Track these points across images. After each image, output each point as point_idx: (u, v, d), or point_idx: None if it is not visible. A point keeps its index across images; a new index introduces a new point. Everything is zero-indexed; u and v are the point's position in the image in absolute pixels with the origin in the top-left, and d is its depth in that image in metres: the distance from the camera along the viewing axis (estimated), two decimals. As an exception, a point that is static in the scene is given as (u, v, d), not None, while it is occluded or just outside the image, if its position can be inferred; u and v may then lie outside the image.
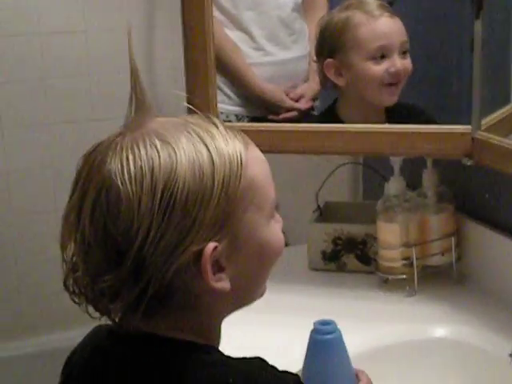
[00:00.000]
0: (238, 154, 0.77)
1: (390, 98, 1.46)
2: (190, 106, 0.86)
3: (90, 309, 0.79)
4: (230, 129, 0.80)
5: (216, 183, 0.75)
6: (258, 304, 1.33)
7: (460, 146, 1.35)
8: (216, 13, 1.52)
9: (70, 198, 0.78)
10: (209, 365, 0.78)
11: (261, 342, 1.25)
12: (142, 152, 0.74)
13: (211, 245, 0.75)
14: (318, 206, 1.67)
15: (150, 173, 0.73)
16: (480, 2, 1.29)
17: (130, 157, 0.74)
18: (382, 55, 1.42)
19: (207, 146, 0.76)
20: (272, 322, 1.38)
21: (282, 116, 1.59)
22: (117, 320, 0.79)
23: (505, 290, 1.38)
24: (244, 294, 0.83)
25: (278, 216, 0.84)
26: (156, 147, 0.75)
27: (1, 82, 2.24)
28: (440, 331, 1.34)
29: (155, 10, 2.32)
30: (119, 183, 0.73)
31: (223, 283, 0.77)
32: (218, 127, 0.79)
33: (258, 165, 0.80)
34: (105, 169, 0.75)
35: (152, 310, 0.76)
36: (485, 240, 1.44)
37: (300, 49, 1.63)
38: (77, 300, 0.79)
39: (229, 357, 0.80)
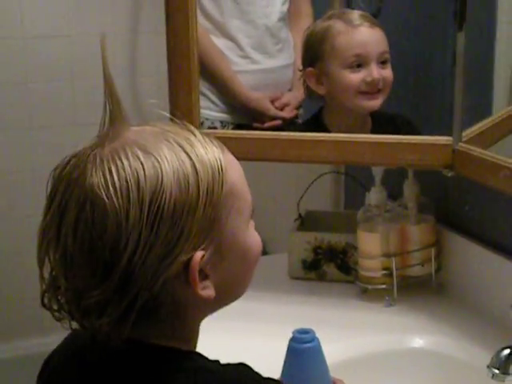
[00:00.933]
0: (218, 160, 0.77)
1: (370, 104, 1.46)
2: (166, 114, 0.84)
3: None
4: (205, 135, 0.79)
5: (201, 192, 0.74)
6: (237, 312, 1.33)
7: (441, 157, 1.35)
8: (202, 20, 1.52)
9: (46, 213, 0.75)
10: (193, 371, 0.78)
11: (239, 349, 1.24)
12: (125, 163, 0.73)
13: (199, 253, 0.74)
14: (300, 215, 1.67)
15: (136, 185, 0.72)
16: (463, 14, 1.30)
17: (113, 169, 0.73)
18: (358, 64, 1.43)
19: (189, 155, 0.75)
20: (251, 329, 1.37)
21: (266, 124, 1.60)
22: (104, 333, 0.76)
23: (484, 302, 1.39)
24: (227, 298, 0.83)
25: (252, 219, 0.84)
26: (139, 158, 0.73)
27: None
28: (418, 341, 1.34)
29: (139, 15, 2.33)
30: (104, 197, 0.71)
31: (208, 291, 0.77)
32: (195, 134, 0.78)
33: (235, 169, 0.80)
34: (86, 182, 0.72)
35: (139, 320, 0.75)
36: (464, 251, 1.45)
37: (285, 58, 1.64)
38: (59, 316, 0.77)
39: (213, 362, 0.80)
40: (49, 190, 0.76)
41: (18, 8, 2.22)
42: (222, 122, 1.63)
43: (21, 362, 2.27)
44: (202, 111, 1.52)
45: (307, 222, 1.67)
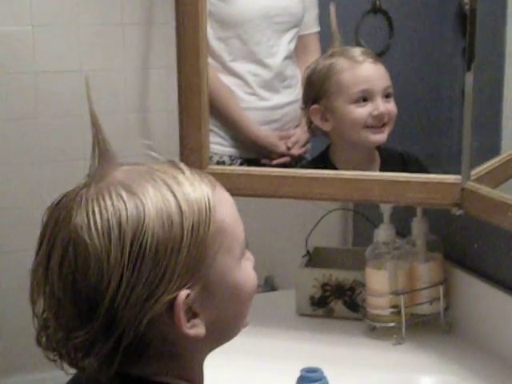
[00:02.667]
0: (206, 199, 0.76)
1: (377, 138, 1.47)
2: (153, 154, 0.84)
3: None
4: (196, 172, 0.79)
5: (185, 231, 0.73)
6: (245, 348, 1.33)
7: (449, 195, 1.35)
8: (210, 60, 1.53)
9: (37, 253, 0.76)
10: None
11: (246, 387, 1.24)
12: (108, 203, 0.73)
13: (183, 293, 0.74)
14: (308, 251, 1.67)
15: (118, 225, 0.72)
16: (471, 54, 1.31)
17: (96, 209, 0.73)
18: (364, 99, 1.45)
19: (174, 194, 0.75)
20: (259, 367, 1.37)
21: (275, 161, 1.60)
22: (93, 372, 0.77)
23: (492, 340, 1.38)
24: (222, 335, 0.82)
25: (248, 253, 0.83)
26: (122, 198, 0.73)
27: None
28: (426, 380, 1.33)
29: (150, 52, 2.35)
30: (86, 237, 0.72)
31: (197, 329, 0.76)
32: (184, 172, 0.78)
33: (225, 207, 0.79)
34: (71, 223, 0.73)
35: (130, 358, 0.75)
36: (473, 289, 1.44)
37: (292, 94, 1.65)
38: (51, 357, 0.77)
39: None
40: (41, 229, 0.76)
41: (31, 43, 2.25)
42: (230, 156, 1.64)
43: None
44: (211, 146, 1.53)
45: (315, 258, 1.67)
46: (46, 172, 2.29)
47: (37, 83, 2.26)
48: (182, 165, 0.79)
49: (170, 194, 0.75)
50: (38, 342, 0.77)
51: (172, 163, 0.80)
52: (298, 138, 1.62)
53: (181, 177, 0.77)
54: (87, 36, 2.29)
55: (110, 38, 2.32)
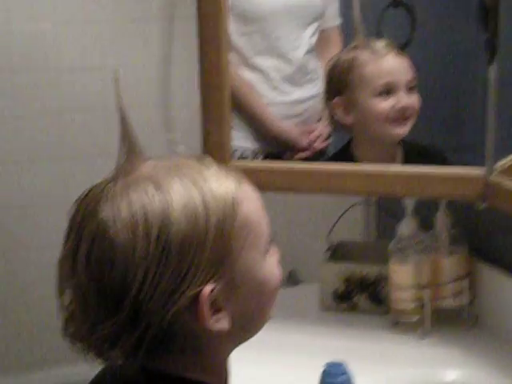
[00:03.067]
0: (232, 195, 0.76)
1: (399, 132, 1.46)
2: (179, 148, 0.84)
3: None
4: (222, 167, 0.79)
5: (210, 227, 0.74)
6: (268, 343, 1.33)
7: (473, 189, 1.35)
8: (232, 55, 1.54)
9: (65, 244, 0.77)
10: None
11: (272, 381, 1.24)
12: (135, 198, 0.73)
13: (208, 287, 0.74)
14: (331, 245, 1.67)
15: (144, 220, 0.72)
16: (494, 47, 1.30)
17: (123, 203, 0.73)
18: (387, 92, 1.44)
19: (200, 189, 0.75)
20: (282, 362, 1.37)
21: (297, 156, 1.60)
22: (119, 364, 0.78)
23: (517, 335, 1.37)
24: (246, 330, 0.82)
25: (273, 248, 0.84)
26: (149, 193, 0.74)
27: (19, 116, 2.27)
28: (451, 375, 1.32)
29: (173, 48, 2.35)
30: (112, 231, 0.73)
31: (222, 323, 0.77)
32: (210, 168, 0.78)
33: (251, 202, 0.79)
34: (98, 216, 0.74)
35: (155, 352, 0.76)
36: (497, 283, 1.43)
37: (315, 88, 1.65)
38: (77, 348, 0.78)
39: None
40: (68, 222, 0.77)
41: (53, 41, 2.26)
42: (253, 151, 1.64)
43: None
44: (234, 141, 1.54)
45: (338, 252, 1.67)
46: (71, 168, 2.30)
47: (60, 80, 2.27)
48: (208, 160, 0.80)
49: (196, 189, 0.75)
50: (65, 334, 0.78)
51: (198, 158, 0.80)
52: (320, 132, 1.62)
53: (207, 172, 0.77)
54: (109, 32, 2.30)
55: (132, 33, 2.33)
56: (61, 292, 0.77)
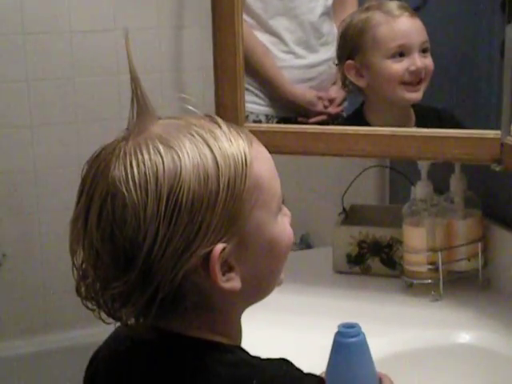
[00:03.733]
0: (243, 154, 0.76)
1: (412, 96, 1.45)
2: (191, 108, 0.83)
3: (103, 314, 0.79)
4: (233, 127, 0.79)
5: (221, 186, 0.74)
6: (282, 305, 1.34)
7: (489, 151, 1.34)
8: (246, 17, 1.52)
9: (77, 204, 0.77)
10: (233, 365, 0.78)
11: (284, 343, 1.25)
12: (146, 157, 0.74)
13: (219, 246, 0.74)
14: (344, 209, 1.67)
15: (155, 178, 0.73)
16: (511, 7, 1.28)
17: (134, 163, 0.74)
18: (401, 54, 1.42)
19: (211, 148, 0.75)
20: (296, 323, 1.38)
21: (312, 120, 1.59)
22: (131, 323, 0.78)
23: (531, 297, 1.37)
24: (258, 290, 0.83)
25: (285, 209, 0.84)
26: (159, 152, 0.74)
27: (31, 79, 2.26)
28: (464, 337, 1.33)
29: (184, 10, 2.34)
30: (124, 190, 0.73)
31: (233, 283, 0.77)
32: (221, 127, 0.78)
33: (262, 162, 0.79)
34: (109, 175, 0.74)
35: (166, 311, 0.76)
36: (511, 246, 1.43)
37: (329, 51, 1.63)
38: (90, 306, 0.79)
39: (254, 357, 0.80)
40: (80, 181, 0.77)
41: (65, 3, 2.25)
42: (267, 115, 1.63)
43: (65, 353, 2.31)
44: (247, 105, 1.53)
45: (352, 216, 1.67)
46: (84, 131, 2.30)
47: (72, 43, 2.26)
48: (219, 119, 0.79)
49: (207, 148, 0.75)
50: (78, 292, 0.79)
51: (209, 117, 0.80)
52: (334, 96, 1.61)
53: (218, 131, 0.77)
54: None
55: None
56: (73, 252, 0.78)
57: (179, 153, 0.74)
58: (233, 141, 0.77)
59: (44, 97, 2.28)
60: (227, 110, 1.47)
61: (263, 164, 0.79)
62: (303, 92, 1.61)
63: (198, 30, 2.27)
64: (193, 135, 0.76)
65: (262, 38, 1.59)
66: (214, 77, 1.48)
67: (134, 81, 0.78)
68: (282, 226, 0.81)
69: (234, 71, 1.46)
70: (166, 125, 0.78)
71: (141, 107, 0.78)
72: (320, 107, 1.60)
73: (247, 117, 1.55)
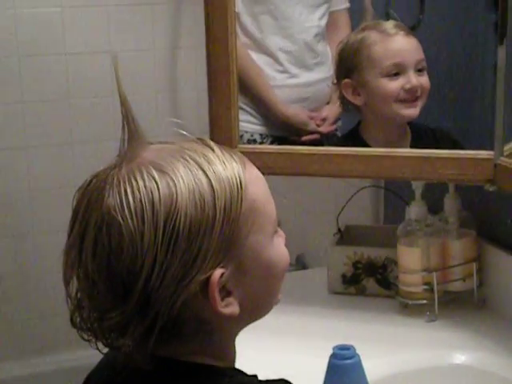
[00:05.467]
0: (237, 177, 0.75)
1: (409, 112, 1.46)
2: (183, 132, 0.81)
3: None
4: (225, 150, 0.78)
5: (218, 210, 0.73)
6: (277, 327, 1.33)
7: (482, 171, 1.34)
8: (241, 36, 1.53)
9: (70, 233, 0.76)
10: None
11: (280, 365, 1.24)
12: (140, 184, 0.72)
13: (218, 272, 0.73)
14: (339, 229, 1.67)
15: (151, 206, 0.71)
16: (504, 28, 1.29)
17: (129, 190, 0.72)
18: (396, 72, 1.43)
19: (206, 173, 0.74)
20: (291, 345, 1.37)
21: (304, 138, 1.60)
22: (128, 351, 0.76)
23: (526, 318, 1.37)
24: (256, 312, 0.82)
25: (280, 231, 0.83)
26: (154, 178, 0.72)
27: (27, 101, 2.26)
28: (460, 357, 1.32)
29: (179, 33, 2.35)
30: (120, 218, 0.71)
31: (232, 307, 0.76)
32: (214, 150, 0.77)
33: (256, 184, 0.78)
34: (104, 204, 0.72)
35: (164, 339, 0.75)
36: (506, 266, 1.43)
37: (323, 71, 1.64)
38: (85, 337, 0.77)
39: (253, 378, 0.80)
40: (72, 210, 0.76)
41: (61, 25, 2.25)
42: (261, 134, 1.64)
43: (59, 375, 2.29)
44: (242, 124, 1.54)
45: (347, 236, 1.67)
46: (79, 153, 2.31)
47: (67, 64, 2.27)
48: (211, 143, 0.79)
49: (202, 172, 0.74)
50: (72, 323, 0.77)
51: (201, 141, 0.79)
52: (327, 115, 1.61)
53: (211, 155, 0.76)
54: (116, 16, 2.29)
55: (138, 18, 2.32)
56: (67, 281, 0.76)
57: (174, 178, 0.73)
58: (227, 164, 0.76)
59: (40, 118, 2.28)
60: (221, 131, 1.47)
61: (257, 186, 0.78)
62: (295, 112, 1.62)
63: (193, 52, 2.28)
64: (186, 160, 0.75)
65: (256, 57, 1.60)
66: (208, 98, 1.49)
67: (124, 106, 0.77)
68: (279, 248, 0.81)
69: (228, 93, 1.46)
70: (158, 150, 0.77)
71: (132, 133, 0.77)
72: (312, 127, 1.61)
73: (242, 136, 1.56)
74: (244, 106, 1.58)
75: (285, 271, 0.82)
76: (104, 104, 2.29)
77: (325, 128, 1.61)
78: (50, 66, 2.26)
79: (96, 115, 2.31)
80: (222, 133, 1.47)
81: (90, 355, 0.92)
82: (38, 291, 2.33)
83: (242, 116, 1.54)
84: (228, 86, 1.45)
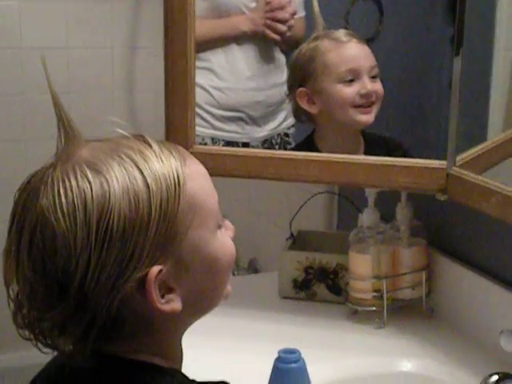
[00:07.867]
0: (175, 174, 0.74)
1: (364, 119, 1.46)
2: (122, 131, 0.79)
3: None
4: (165, 146, 0.77)
5: (153, 208, 0.72)
6: (224, 329, 1.33)
7: (435, 181, 1.35)
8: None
9: (8, 235, 0.75)
10: None
11: (224, 367, 1.24)
12: (73, 184, 0.72)
13: (155, 269, 0.73)
14: (292, 234, 1.67)
15: (83, 206, 0.71)
16: (460, 40, 1.31)
17: (62, 190, 0.72)
18: (351, 78, 1.44)
19: (141, 171, 0.73)
20: (237, 348, 1.37)
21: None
22: (68, 350, 0.76)
23: (473, 326, 1.38)
24: (201, 308, 0.81)
25: (227, 223, 0.82)
26: (87, 178, 0.72)
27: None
28: (407, 365, 1.33)
29: (138, 31, 2.33)
30: (53, 219, 0.71)
31: (173, 304, 0.76)
32: (151, 146, 0.76)
33: (196, 180, 0.77)
34: (38, 204, 0.72)
35: (107, 336, 0.75)
36: (455, 275, 1.45)
37: (277, 76, 1.64)
38: (26, 336, 0.77)
39: (193, 380, 0.79)
40: (11, 211, 0.75)
41: (18, 19, 2.23)
42: (212, 138, 1.63)
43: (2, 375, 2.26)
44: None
45: (299, 241, 1.67)
46: (32, 149, 2.28)
47: (23, 59, 2.24)
48: (150, 139, 0.77)
49: (137, 170, 0.73)
50: (14, 322, 0.77)
51: (140, 138, 0.78)
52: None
53: (148, 152, 0.75)
54: (74, 12, 2.27)
55: (97, 14, 2.30)
56: (8, 282, 0.76)
57: (107, 177, 0.72)
58: (164, 160, 0.75)
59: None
60: (177, 132, 1.47)
61: (198, 182, 0.77)
62: (239, 19, 1.60)
63: (152, 51, 2.27)
64: (122, 158, 0.74)
65: (212, 57, 1.60)
66: (164, 98, 1.48)
67: (57, 106, 0.76)
68: (222, 242, 0.80)
69: (185, 93, 1.45)
70: (94, 148, 0.76)
71: (67, 132, 0.76)
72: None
73: (194, 139, 1.55)
74: (196, 109, 1.58)
75: (231, 264, 0.81)
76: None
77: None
78: (4, 60, 2.24)
79: (50, 111, 2.28)
80: (177, 134, 1.47)
81: (36, 355, 0.90)
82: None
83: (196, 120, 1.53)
84: (185, 88, 1.45)
